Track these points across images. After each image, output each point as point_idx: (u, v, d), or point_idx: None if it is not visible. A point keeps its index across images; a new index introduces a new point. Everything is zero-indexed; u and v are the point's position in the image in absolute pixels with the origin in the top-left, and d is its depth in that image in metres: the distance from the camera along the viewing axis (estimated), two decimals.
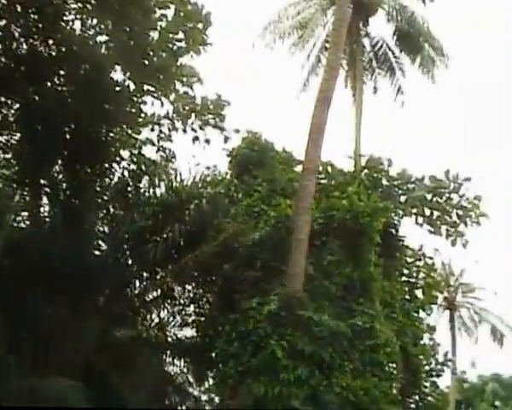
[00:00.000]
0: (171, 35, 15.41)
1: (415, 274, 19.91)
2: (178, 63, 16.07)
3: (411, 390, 18.25)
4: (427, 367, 19.16)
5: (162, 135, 17.62)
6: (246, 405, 13.75)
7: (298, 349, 13.94)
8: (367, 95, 23.94)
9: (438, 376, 19.50)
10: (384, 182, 19.62)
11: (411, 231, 19.66)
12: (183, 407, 16.47)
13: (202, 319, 16.69)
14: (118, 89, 15.61)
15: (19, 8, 14.44)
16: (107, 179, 16.43)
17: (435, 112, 54.96)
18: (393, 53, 24.06)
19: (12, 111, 15.86)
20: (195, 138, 17.69)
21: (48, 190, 15.87)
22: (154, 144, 17.54)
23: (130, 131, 16.98)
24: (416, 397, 18.81)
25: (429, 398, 19.05)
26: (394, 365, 15.93)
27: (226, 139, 17.86)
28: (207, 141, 17.75)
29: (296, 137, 17.99)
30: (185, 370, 16.51)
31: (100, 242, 16.24)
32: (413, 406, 18.78)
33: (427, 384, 19.14)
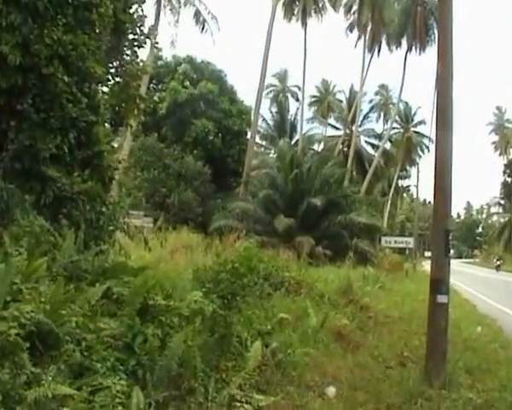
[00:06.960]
0: None
1: None
2: None
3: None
4: (131, 36, 19.76)
5: None
6: None
7: None
8: None
9: (139, 47, 20.20)
10: None
11: None
12: None
13: None
14: None
15: None
16: None
17: None
18: None
19: None
20: None
21: None
22: None
23: None
24: (118, 70, 19.61)
25: (129, 66, 20.02)
26: (103, 28, 16.15)
27: None
28: None
29: None
30: None
31: None
32: (113, 71, 19.64)
33: (129, 53, 19.91)
